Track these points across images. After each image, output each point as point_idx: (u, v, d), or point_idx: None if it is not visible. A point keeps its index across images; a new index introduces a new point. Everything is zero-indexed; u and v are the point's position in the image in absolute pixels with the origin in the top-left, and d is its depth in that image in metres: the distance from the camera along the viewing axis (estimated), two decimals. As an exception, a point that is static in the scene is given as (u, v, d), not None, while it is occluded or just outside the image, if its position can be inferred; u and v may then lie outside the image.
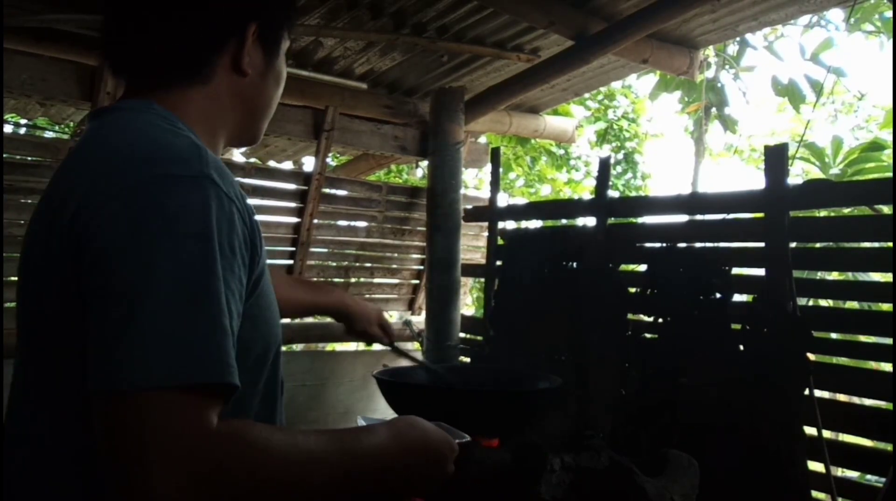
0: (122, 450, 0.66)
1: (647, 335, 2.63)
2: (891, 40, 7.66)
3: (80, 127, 4.38)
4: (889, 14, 7.11)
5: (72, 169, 0.82)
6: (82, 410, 0.74)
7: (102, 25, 0.93)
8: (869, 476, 2.96)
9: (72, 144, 2.98)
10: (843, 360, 2.59)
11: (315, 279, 4.18)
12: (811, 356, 2.25)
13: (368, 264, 4.43)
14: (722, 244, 2.53)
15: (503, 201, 4.13)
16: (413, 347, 4.54)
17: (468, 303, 7.00)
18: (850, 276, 5.71)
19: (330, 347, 6.19)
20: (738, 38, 7.41)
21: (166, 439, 0.66)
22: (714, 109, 8.40)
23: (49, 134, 5.71)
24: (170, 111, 0.86)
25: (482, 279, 3.78)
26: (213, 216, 0.74)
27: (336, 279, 4.35)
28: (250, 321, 0.81)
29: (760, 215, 2.42)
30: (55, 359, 0.79)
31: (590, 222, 3.00)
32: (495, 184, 3.54)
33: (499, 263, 3.37)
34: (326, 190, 3.96)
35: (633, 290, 2.70)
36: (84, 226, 0.74)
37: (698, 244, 2.55)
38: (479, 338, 3.55)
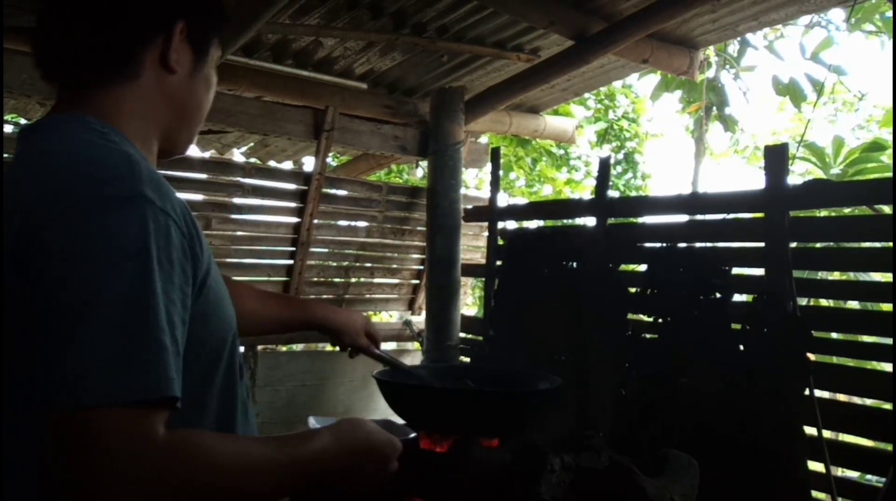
0: (73, 464, 0.70)
1: (647, 335, 2.63)
2: (891, 40, 7.66)
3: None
4: (889, 14, 7.11)
5: (14, 188, 0.84)
6: (31, 423, 0.78)
7: (32, 33, 0.95)
8: (869, 476, 2.96)
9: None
10: (844, 360, 2.59)
11: (318, 291, 4.18)
12: (811, 356, 2.25)
13: (368, 264, 4.43)
14: (722, 244, 2.53)
15: (503, 201, 4.14)
16: (413, 347, 4.55)
17: (468, 303, 7.00)
18: (850, 276, 5.71)
19: (330, 347, 6.19)
20: (738, 38, 7.40)
21: (113, 452, 0.70)
22: (714, 109, 8.41)
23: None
24: (102, 120, 0.89)
25: (482, 279, 3.78)
26: (150, 234, 0.78)
27: (336, 279, 4.35)
28: (200, 320, 0.86)
29: (760, 215, 2.42)
30: (5, 369, 0.81)
31: (590, 222, 3.00)
32: (495, 184, 3.54)
33: (499, 263, 3.37)
34: (326, 190, 3.96)
35: (633, 290, 2.70)
36: (26, 246, 0.77)
37: (698, 244, 2.55)
38: (479, 338, 3.55)
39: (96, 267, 0.74)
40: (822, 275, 4.86)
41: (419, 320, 4.27)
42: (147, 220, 0.78)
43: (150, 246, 0.77)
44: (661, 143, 14.98)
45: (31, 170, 0.84)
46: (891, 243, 2.11)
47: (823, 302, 4.75)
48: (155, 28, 0.94)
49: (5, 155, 3.10)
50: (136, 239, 0.76)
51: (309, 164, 4.13)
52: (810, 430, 2.20)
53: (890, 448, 2.18)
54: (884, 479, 2.09)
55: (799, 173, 8.36)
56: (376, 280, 4.57)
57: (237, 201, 3.73)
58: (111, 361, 0.71)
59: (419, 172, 8.14)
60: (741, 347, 2.33)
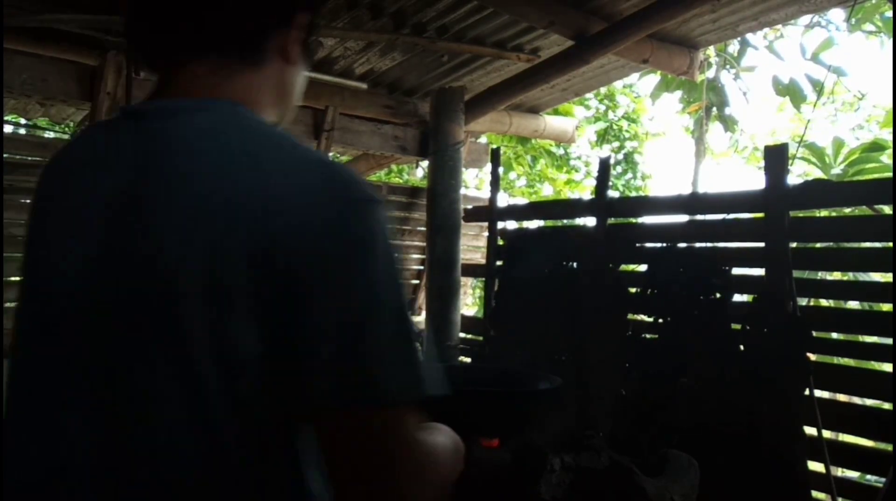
0: (380, 463, 0.73)
1: (647, 335, 2.63)
2: (891, 40, 7.67)
3: (80, 127, 4.38)
4: (889, 14, 7.11)
5: (219, 181, 0.75)
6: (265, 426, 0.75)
7: (143, 16, 0.91)
8: (869, 476, 2.96)
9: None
10: (844, 360, 2.59)
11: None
12: (811, 356, 2.25)
13: (368, 264, 4.42)
14: (722, 244, 2.53)
15: (503, 201, 4.14)
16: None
17: (468, 303, 7.00)
18: (850, 276, 5.71)
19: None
20: (738, 38, 7.41)
21: (413, 450, 0.75)
22: (714, 109, 8.41)
23: (49, 134, 5.71)
24: (248, 109, 0.87)
25: (482, 279, 3.78)
26: (388, 238, 0.79)
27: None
28: None
29: (760, 215, 2.42)
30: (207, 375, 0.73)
31: (590, 222, 3.01)
32: (495, 184, 3.54)
33: (499, 263, 3.37)
34: (326, 190, 3.96)
35: (633, 290, 2.70)
36: (290, 253, 0.73)
37: (698, 244, 2.55)
38: (480, 338, 3.55)
39: (370, 269, 0.74)
40: (822, 275, 4.85)
41: (419, 320, 4.26)
42: (385, 224, 0.79)
43: (392, 250, 0.79)
44: (661, 143, 14.98)
45: (242, 166, 0.77)
46: (891, 243, 2.11)
47: (823, 302, 4.75)
48: (285, 16, 0.94)
49: (6, 154, 3.10)
50: (385, 242, 0.77)
51: (309, 164, 4.12)
52: (810, 430, 2.20)
53: (890, 448, 2.18)
54: (884, 479, 2.09)
55: (799, 173, 8.37)
56: (376, 280, 4.56)
57: (237, 200, 3.73)
58: (397, 362, 0.74)
59: (419, 172, 8.14)
60: (741, 347, 2.33)
